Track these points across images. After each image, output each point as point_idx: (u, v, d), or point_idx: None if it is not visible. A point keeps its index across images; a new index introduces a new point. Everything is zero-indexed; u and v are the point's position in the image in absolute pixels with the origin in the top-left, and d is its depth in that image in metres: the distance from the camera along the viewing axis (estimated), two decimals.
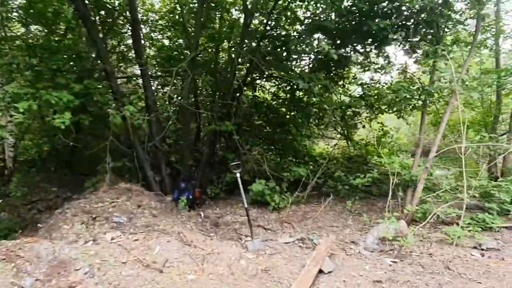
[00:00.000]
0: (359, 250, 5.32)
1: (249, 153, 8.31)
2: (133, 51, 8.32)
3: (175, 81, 9.05)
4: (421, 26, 7.01)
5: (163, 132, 7.49)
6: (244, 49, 7.79)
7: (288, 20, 7.78)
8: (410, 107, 7.56)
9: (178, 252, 4.19)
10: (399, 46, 7.50)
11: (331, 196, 7.48)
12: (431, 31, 7.15)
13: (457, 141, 9.16)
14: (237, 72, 8.38)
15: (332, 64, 8.38)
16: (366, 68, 8.63)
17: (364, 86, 7.56)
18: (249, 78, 9.28)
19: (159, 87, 9.41)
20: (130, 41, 8.70)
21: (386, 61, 7.92)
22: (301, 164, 10.34)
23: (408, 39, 7.22)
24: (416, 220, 6.48)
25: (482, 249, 5.23)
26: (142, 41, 8.45)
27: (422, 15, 6.85)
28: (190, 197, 7.69)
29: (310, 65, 8.24)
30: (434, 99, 7.09)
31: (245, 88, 8.86)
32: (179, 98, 7.79)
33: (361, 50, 8.25)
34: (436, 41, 7.13)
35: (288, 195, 7.80)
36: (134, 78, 9.47)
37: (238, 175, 5.36)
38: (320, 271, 4.18)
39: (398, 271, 4.38)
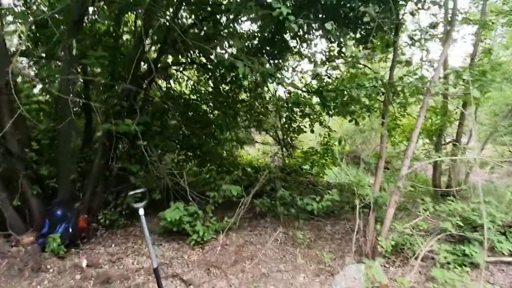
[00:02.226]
0: None
1: (160, 163, 6.03)
2: None
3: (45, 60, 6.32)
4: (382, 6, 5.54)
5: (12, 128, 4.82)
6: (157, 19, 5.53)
7: None
8: (366, 108, 6.13)
9: None
10: (357, 29, 6.03)
11: (279, 229, 5.69)
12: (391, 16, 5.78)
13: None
14: (146, 52, 6.04)
15: (271, 49, 6.58)
16: (309, 59, 6.99)
17: (323, 78, 5.90)
18: (161, 63, 7.00)
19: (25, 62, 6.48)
20: None
21: (338, 50, 6.40)
22: (225, 174, 8.42)
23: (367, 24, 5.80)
24: (384, 255, 4.99)
25: None
26: None
27: None
28: (70, 230, 5.17)
29: (248, 47, 6.31)
30: (399, 98, 5.71)
31: (157, 74, 6.55)
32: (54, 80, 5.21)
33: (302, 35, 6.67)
34: (395, 30, 5.85)
35: (214, 221, 5.77)
36: None
37: (141, 212, 3.16)
38: None
39: None
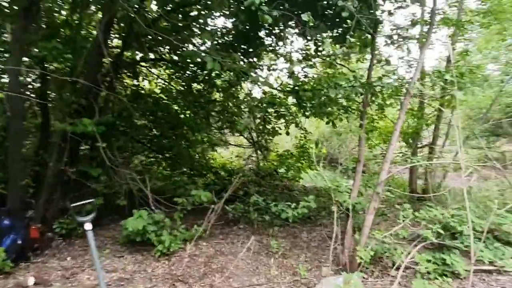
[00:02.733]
0: None
1: (125, 167, 5.56)
2: None
3: None
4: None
5: None
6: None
7: None
8: (344, 109, 5.89)
9: None
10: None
11: (253, 236, 5.33)
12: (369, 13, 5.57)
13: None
14: (108, 45, 5.56)
15: (245, 47, 6.25)
16: (285, 57, 6.69)
17: (299, 77, 5.55)
18: (128, 59, 6.53)
19: None
20: None
21: (314, 48, 6.13)
22: (197, 177, 8.03)
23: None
24: (363, 265, 4.71)
25: None
26: None
27: None
28: (19, 242, 4.63)
29: (220, 43, 5.92)
30: (378, 99, 5.49)
31: (122, 71, 6.05)
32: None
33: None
34: (373, 28, 5.65)
35: (183, 229, 5.36)
36: None
37: (87, 226, 2.73)
38: None
39: None
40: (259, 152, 8.19)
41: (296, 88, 5.19)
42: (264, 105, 5.69)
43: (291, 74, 5.47)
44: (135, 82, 7.77)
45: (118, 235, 5.65)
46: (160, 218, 5.11)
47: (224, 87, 7.39)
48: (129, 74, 7.22)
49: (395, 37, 5.49)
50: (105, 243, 5.47)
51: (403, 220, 4.49)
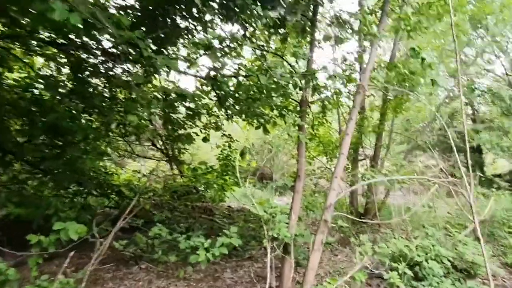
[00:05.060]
0: None
1: None
2: None
3: None
4: None
5: None
6: None
7: None
8: (279, 110, 4.60)
9: None
10: None
11: (157, 282, 3.68)
12: None
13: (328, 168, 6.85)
14: None
15: (155, 31, 4.68)
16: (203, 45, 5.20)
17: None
18: None
19: None
20: None
21: (241, 34, 4.78)
22: (97, 197, 6.22)
23: None
24: None
25: None
26: None
27: None
28: None
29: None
30: (320, 97, 4.28)
31: None
32: None
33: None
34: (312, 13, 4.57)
35: (45, 281, 3.52)
36: None
37: None
38: None
39: None
40: (173, 164, 6.51)
41: (214, 73, 3.73)
42: (170, 97, 4.09)
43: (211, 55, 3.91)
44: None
45: None
46: (2, 269, 3.24)
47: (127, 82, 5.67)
48: None
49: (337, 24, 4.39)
50: None
51: (361, 259, 3.25)
